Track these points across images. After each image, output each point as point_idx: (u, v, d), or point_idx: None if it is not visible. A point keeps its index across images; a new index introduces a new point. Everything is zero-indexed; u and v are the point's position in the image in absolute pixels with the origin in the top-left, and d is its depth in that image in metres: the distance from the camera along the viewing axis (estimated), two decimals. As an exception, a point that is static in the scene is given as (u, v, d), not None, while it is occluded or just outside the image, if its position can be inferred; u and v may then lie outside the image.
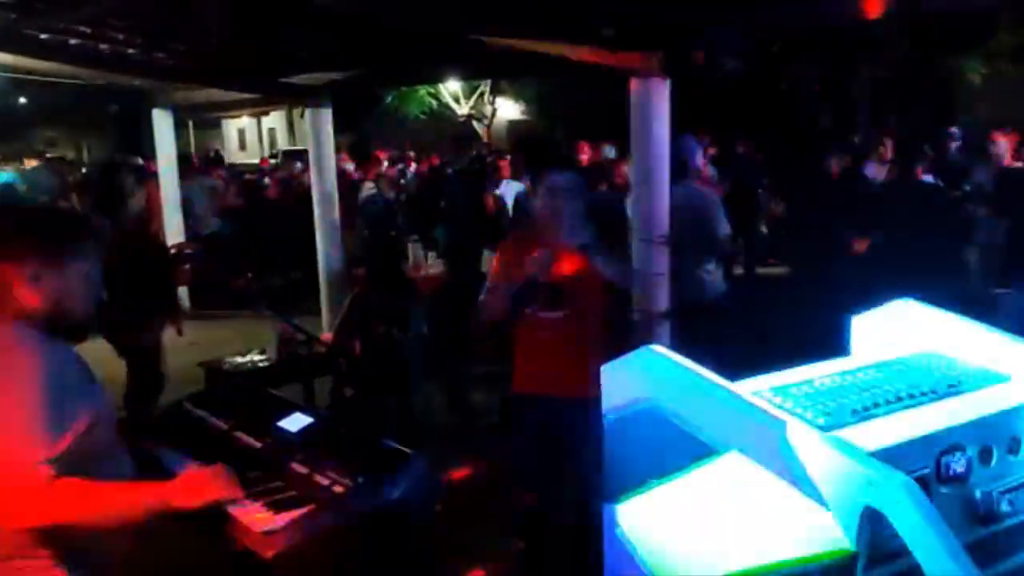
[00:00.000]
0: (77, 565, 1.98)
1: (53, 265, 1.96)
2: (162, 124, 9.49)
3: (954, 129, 8.54)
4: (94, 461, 1.95)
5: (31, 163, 11.49)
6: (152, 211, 9.32)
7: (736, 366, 1.74)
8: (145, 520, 2.04)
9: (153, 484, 2.10)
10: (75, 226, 2.07)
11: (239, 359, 5.06)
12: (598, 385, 1.75)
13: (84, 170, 17.01)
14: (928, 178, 5.75)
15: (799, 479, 1.36)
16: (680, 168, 5.63)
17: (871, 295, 2.00)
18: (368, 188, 10.21)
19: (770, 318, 6.30)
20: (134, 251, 4.66)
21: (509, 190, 8.57)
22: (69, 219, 2.08)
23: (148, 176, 10.64)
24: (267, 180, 13.05)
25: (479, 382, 6.27)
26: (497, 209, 8.29)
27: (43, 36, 6.17)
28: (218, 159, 13.67)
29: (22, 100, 28.70)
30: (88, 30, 6.17)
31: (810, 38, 10.55)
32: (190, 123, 26.20)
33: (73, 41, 6.35)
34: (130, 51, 6.75)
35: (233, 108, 19.94)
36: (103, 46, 6.56)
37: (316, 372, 5.25)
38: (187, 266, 5.47)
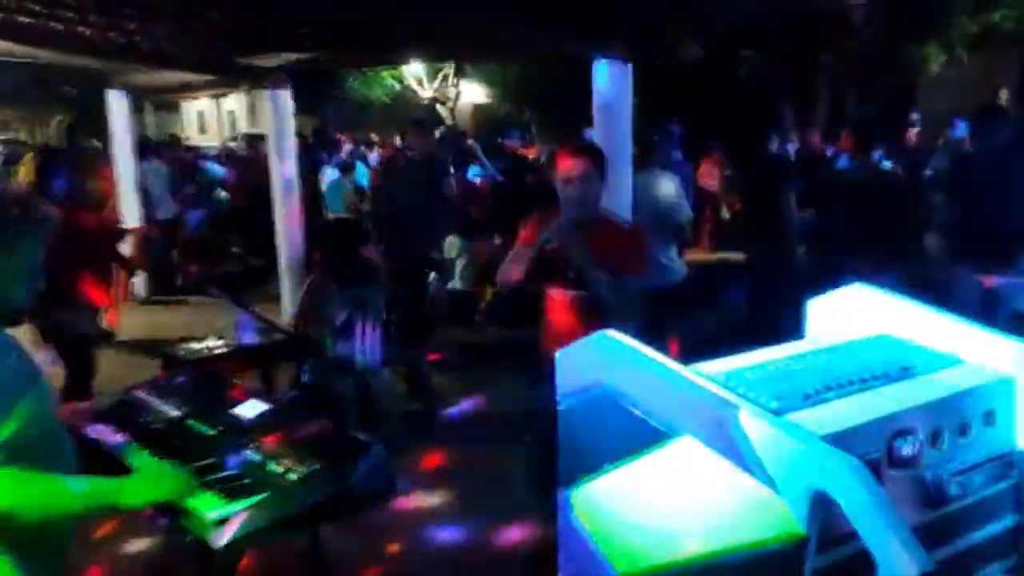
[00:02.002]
0: (22, 553, 1.93)
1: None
2: (117, 106, 9.29)
3: (913, 116, 8.64)
4: (37, 445, 1.90)
5: None
6: (106, 194, 9.15)
7: (696, 351, 1.73)
8: (92, 516, 2.00)
9: (102, 481, 2.05)
10: (20, 210, 1.96)
11: (195, 345, 4.97)
12: None
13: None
14: (887, 164, 5.81)
15: (751, 463, 1.36)
16: (643, 154, 5.64)
17: (829, 280, 2.01)
18: (331, 173, 10.13)
19: (729, 303, 6.35)
20: (73, 237, 4.55)
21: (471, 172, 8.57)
22: (14, 202, 1.99)
23: (103, 159, 10.47)
24: (216, 165, 12.78)
25: (441, 367, 6.25)
26: (464, 193, 8.27)
27: (-9, 14, 6.00)
28: (175, 142, 13.39)
29: (-27, 81, 27.95)
30: (39, 8, 6.01)
31: (769, 25, 10.60)
32: (148, 105, 25.77)
33: (24, 19, 6.18)
34: (83, 30, 6.58)
35: (192, 90, 19.64)
36: (54, 24, 6.39)
37: (275, 359, 5.18)
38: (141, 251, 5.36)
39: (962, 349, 1.69)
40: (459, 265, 7.71)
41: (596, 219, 3.33)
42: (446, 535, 4.15)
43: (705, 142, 11.11)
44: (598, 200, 3.33)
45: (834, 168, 7.47)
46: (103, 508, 1.97)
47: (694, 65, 12.81)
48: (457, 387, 6.14)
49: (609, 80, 5.50)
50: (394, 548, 4.01)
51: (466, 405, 5.81)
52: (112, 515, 2.02)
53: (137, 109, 10.90)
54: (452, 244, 7.75)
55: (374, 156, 12.81)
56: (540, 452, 3.53)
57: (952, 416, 1.54)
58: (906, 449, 1.47)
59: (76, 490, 1.95)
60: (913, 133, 8.24)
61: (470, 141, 11.79)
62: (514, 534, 3.90)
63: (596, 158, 3.36)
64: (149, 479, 2.05)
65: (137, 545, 3.96)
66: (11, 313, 1.97)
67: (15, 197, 1.99)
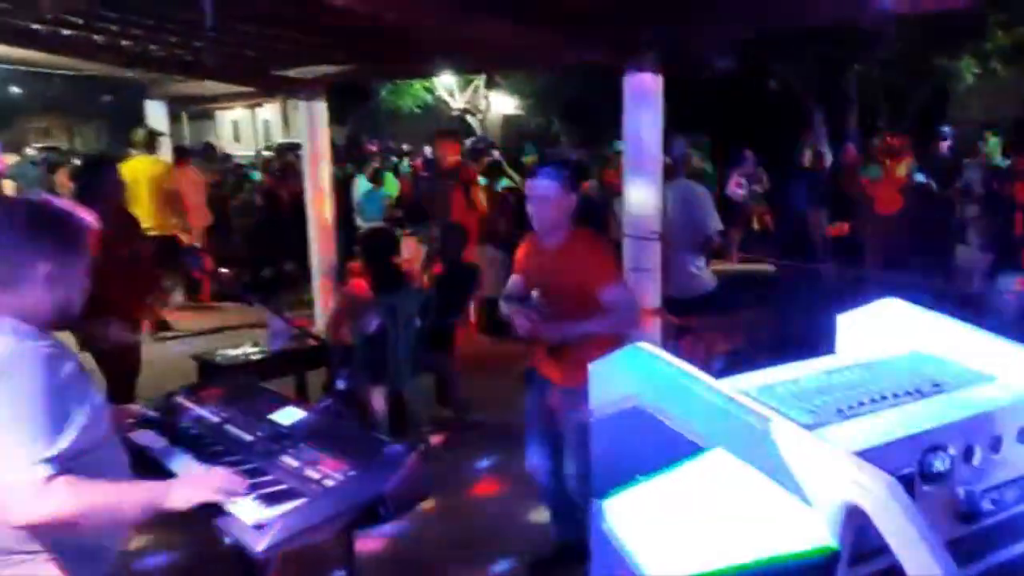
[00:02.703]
0: (75, 559, 1.99)
1: (68, 266, 1.98)
2: (156, 115, 9.46)
3: (946, 128, 8.58)
4: (92, 452, 1.98)
5: (11, 157, 11.24)
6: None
7: (725, 362, 1.75)
8: (141, 518, 2.06)
9: (149, 484, 2.13)
10: (84, 227, 2.05)
11: (232, 351, 5.07)
12: (585, 376, 1.80)
13: (76, 160, 16.98)
14: (920, 177, 5.77)
15: (783, 477, 1.38)
16: (674, 164, 5.66)
17: (860, 293, 2.01)
18: (363, 183, 10.24)
19: (758, 315, 6.32)
20: (112, 248, 4.64)
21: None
22: (80, 220, 2.05)
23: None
24: (257, 174, 12.98)
25: (471, 375, 6.28)
26: (496, 203, 8.32)
27: (36, 26, 6.14)
28: (210, 150, 13.58)
29: (15, 90, 28.60)
30: (81, 21, 6.15)
31: (800, 37, 10.55)
32: (184, 115, 26.14)
33: (66, 32, 6.33)
34: (123, 42, 6.73)
35: (227, 100, 19.90)
36: (96, 37, 6.54)
37: (309, 365, 5.26)
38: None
39: (995, 365, 1.70)
40: (489, 274, 7.75)
41: (568, 235, 3.47)
42: (478, 541, 4.19)
43: (734, 154, 11.11)
44: (557, 219, 3.42)
45: (866, 180, 7.43)
46: (151, 510, 2.04)
47: (724, 77, 12.78)
48: (487, 395, 6.18)
49: (639, 92, 5.52)
50: (426, 552, 4.06)
51: (496, 412, 5.84)
52: (158, 516, 2.07)
53: (173, 118, 11.07)
54: (482, 253, 7.79)
55: (404, 166, 12.92)
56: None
57: (985, 432, 1.54)
58: (938, 465, 1.48)
59: (126, 494, 2.01)
60: (945, 145, 8.18)
61: (496, 153, 11.86)
62: (547, 541, 3.92)
63: (554, 178, 3.45)
64: (194, 481, 2.12)
65: (176, 549, 4.04)
66: (69, 318, 2.05)
67: (78, 213, 2.05)
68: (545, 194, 3.39)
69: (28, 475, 1.80)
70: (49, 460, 1.82)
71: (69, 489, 1.84)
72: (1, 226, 1.93)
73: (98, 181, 4.89)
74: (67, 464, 1.87)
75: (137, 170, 7.50)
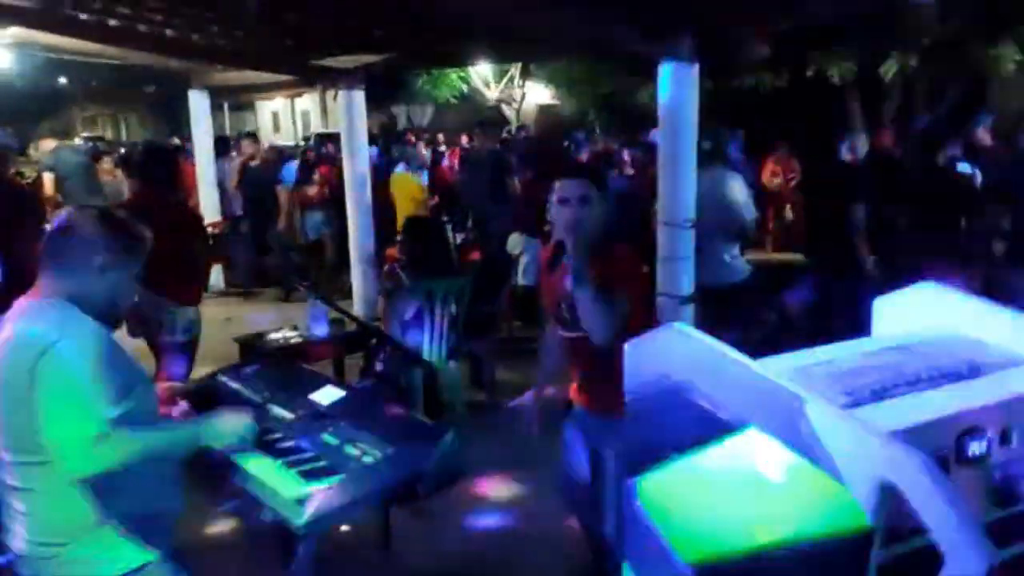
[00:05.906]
0: (136, 529, 2.11)
1: (120, 263, 2.15)
2: (198, 105, 9.58)
3: (986, 117, 8.37)
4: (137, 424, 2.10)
5: (48, 143, 11.20)
6: (187, 190, 9.46)
7: (759, 348, 1.76)
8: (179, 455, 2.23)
9: (186, 425, 2.35)
10: (142, 236, 2.23)
11: (273, 335, 5.15)
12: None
13: (122, 149, 17.29)
14: (965, 166, 5.67)
15: (818, 455, 1.39)
16: (709, 153, 5.63)
17: (896, 281, 2.00)
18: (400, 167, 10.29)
19: (793, 303, 6.26)
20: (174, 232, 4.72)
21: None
22: (140, 230, 2.24)
23: (184, 156, 10.78)
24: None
25: (507, 359, 6.31)
26: (530, 193, 8.30)
27: (83, 16, 6.26)
28: (255, 140, 13.71)
29: (63, 80, 29.14)
30: (127, 10, 6.26)
31: (837, 24, 10.37)
32: (225, 105, 26.45)
33: (112, 22, 6.44)
34: (168, 32, 6.83)
35: (267, 90, 20.11)
36: (141, 27, 6.65)
37: (348, 349, 5.33)
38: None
39: (1033, 349, 1.69)
40: (523, 262, 7.76)
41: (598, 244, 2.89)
42: (511, 520, 4.24)
43: (769, 142, 10.97)
44: (598, 224, 2.89)
45: (902, 168, 7.30)
46: (188, 448, 2.23)
47: (760, 65, 12.64)
48: (520, 380, 6.20)
49: (675, 81, 5.49)
50: (460, 531, 4.12)
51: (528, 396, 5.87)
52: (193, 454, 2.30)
53: (214, 109, 11.18)
54: (516, 241, 7.81)
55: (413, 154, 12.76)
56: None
57: (1022, 415, 1.54)
58: (975, 447, 1.47)
59: (168, 436, 2.22)
60: (986, 135, 7.99)
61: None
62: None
63: (596, 180, 2.99)
64: (222, 423, 2.29)
65: (218, 523, 4.13)
66: (116, 320, 2.22)
67: (125, 223, 2.21)
68: (582, 195, 2.85)
69: (84, 431, 1.94)
70: (103, 418, 1.96)
71: (119, 442, 2.00)
72: (72, 224, 2.15)
73: (159, 168, 4.95)
74: (118, 427, 2.00)
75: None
